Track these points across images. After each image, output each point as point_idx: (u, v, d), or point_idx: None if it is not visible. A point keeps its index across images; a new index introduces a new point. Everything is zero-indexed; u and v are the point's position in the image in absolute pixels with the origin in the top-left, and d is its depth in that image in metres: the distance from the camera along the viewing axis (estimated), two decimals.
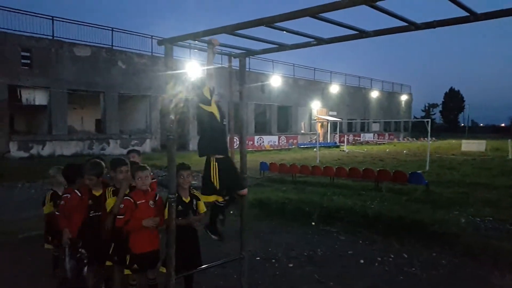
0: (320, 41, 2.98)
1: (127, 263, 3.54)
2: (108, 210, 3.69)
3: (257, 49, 3.67)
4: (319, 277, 4.56)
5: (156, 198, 3.74)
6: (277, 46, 3.35)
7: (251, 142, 29.96)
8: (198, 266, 3.70)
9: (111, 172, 3.85)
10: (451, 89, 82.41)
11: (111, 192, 3.77)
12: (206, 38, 3.15)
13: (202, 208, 3.90)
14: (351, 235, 6.16)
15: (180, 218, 3.62)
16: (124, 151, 12.19)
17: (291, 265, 4.99)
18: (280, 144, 32.89)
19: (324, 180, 11.71)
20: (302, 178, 12.37)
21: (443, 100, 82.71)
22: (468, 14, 2.33)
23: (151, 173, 3.80)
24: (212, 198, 3.51)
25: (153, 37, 25.10)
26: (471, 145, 26.87)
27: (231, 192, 3.63)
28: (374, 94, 46.20)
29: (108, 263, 3.74)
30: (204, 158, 3.48)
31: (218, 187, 3.39)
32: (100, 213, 3.78)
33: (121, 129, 24.32)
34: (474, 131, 72.16)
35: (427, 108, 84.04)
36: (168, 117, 3.28)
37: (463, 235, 5.85)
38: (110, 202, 3.71)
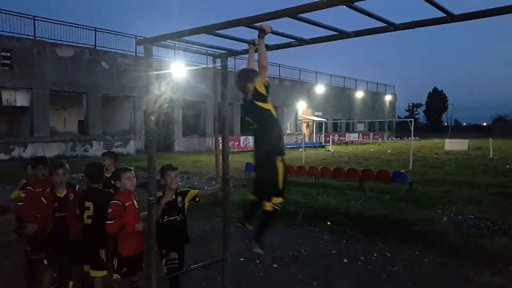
0: (301, 41, 2.99)
1: (115, 267, 3.48)
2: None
3: (239, 50, 3.65)
4: (303, 277, 4.57)
5: (136, 199, 3.70)
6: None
7: (237, 143, 29.91)
8: (181, 268, 3.67)
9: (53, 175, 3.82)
10: (435, 89, 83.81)
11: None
12: (258, 24, 2.80)
13: (192, 194, 3.88)
14: (335, 234, 6.19)
15: (166, 216, 3.59)
16: None
17: (275, 265, 4.99)
18: None
19: (310, 180, 11.75)
20: (287, 178, 12.37)
21: (426, 100, 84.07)
22: (445, 15, 2.36)
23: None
24: (277, 201, 3.33)
25: (137, 36, 24.85)
26: (454, 144, 27.34)
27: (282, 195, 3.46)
28: (359, 94, 46.66)
29: (86, 268, 3.67)
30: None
31: (282, 188, 3.31)
32: (65, 214, 3.76)
33: (105, 131, 24.00)
34: (457, 131, 73.46)
35: (411, 108, 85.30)
36: (153, 118, 3.23)
37: (446, 234, 5.93)
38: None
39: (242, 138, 31.10)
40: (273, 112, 3.29)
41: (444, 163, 17.80)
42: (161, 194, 3.69)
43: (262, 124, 3.30)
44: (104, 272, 3.61)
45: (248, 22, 2.42)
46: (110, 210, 3.38)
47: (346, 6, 1.99)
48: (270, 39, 3.23)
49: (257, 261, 5.08)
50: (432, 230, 5.96)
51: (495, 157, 19.94)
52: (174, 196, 3.75)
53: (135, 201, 3.60)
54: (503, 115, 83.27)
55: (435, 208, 7.75)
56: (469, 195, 9.27)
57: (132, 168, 3.70)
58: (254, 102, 3.23)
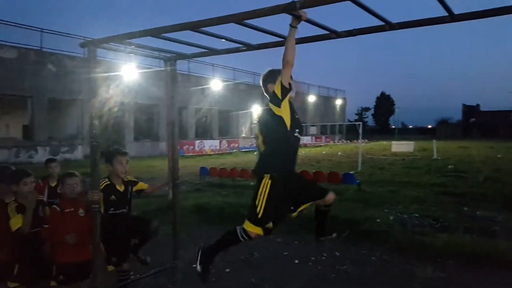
0: (249, 47, 3.02)
1: (54, 274, 3.31)
2: (13, 229, 3.20)
3: (188, 53, 3.62)
4: (255, 280, 4.59)
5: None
6: (208, 50, 3.33)
7: (192, 147, 29.59)
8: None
9: (13, 186, 3.35)
10: (382, 94, 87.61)
11: (14, 209, 3.28)
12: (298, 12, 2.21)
13: (140, 187, 3.71)
14: (287, 236, 6.28)
15: (112, 209, 3.43)
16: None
17: (227, 270, 4.98)
18: (222, 148, 32.82)
19: None
20: (242, 182, 12.42)
21: (375, 103, 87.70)
22: (384, 23, 2.48)
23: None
24: (248, 228, 2.93)
25: (86, 38, 23.94)
26: (401, 146, 28.64)
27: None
28: (311, 98, 47.78)
29: (52, 283, 3.45)
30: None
31: (261, 217, 2.86)
32: (38, 229, 3.34)
33: (51, 136, 22.87)
34: (403, 133, 77.18)
35: (360, 111, 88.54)
36: (96, 122, 3.12)
37: (392, 232, 6.19)
38: (16, 221, 3.22)
39: (197, 142, 30.83)
40: (286, 120, 2.80)
41: (391, 164, 18.62)
42: (107, 181, 3.50)
43: (268, 131, 2.89)
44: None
45: (193, 26, 2.41)
46: (48, 214, 3.28)
47: (287, 13, 2.03)
48: (219, 44, 3.24)
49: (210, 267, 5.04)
50: (379, 229, 6.20)
51: (439, 158, 21.12)
52: (123, 186, 3.55)
53: (81, 210, 3.44)
54: (446, 118, 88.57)
55: (383, 207, 8.06)
56: (414, 195, 9.74)
57: (77, 174, 3.54)
58: (269, 104, 2.83)
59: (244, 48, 3.02)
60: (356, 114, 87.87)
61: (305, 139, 44.58)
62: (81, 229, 3.30)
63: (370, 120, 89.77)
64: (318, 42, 2.85)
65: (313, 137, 46.69)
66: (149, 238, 3.71)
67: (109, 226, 3.31)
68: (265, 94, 3.04)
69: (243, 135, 37.18)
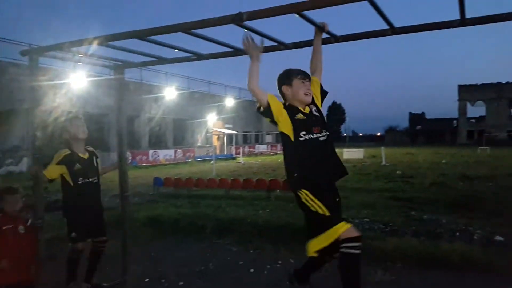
0: (199, 56, 3.01)
1: None
2: None
3: (137, 61, 3.55)
4: None
5: (28, 223, 3.33)
6: (157, 59, 3.28)
7: (145, 157, 28.90)
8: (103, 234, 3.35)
9: None
10: (334, 103, 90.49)
11: None
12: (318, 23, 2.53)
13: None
14: (243, 245, 6.26)
15: (81, 178, 3.26)
16: None
17: (181, 283, 4.87)
18: (177, 157, 32.32)
19: (220, 193, 11.78)
20: (198, 192, 12.28)
21: (327, 112, 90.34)
22: (329, 36, 2.57)
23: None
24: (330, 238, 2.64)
25: (31, 45, 22.82)
26: (352, 153, 29.63)
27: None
28: None
29: None
30: None
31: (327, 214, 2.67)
32: None
33: None
34: (354, 140, 79.95)
35: None
36: (39, 133, 2.97)
37: None
38: None
39: (150, 152, 30.16)
40: (289, 133, 2.78)
41: None
42: (67, 151, 3.29)
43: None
44: None
45: (140, 34, 2.37)
46: None
47: (236, 25, 2.05)
48: (170, 53, 3.20)
49: (163, 280, 4.92)
50: None
51: (387, 164, 22.02)
52: (87, 154, 3.39)
53: (21, 226, 3.24)
54: (394, 126, 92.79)
55: None
56: (364, 200, 10.07)
57: (19, 190, 3.33)
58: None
59: (195, 58, 3.01)
60: None
61: (261, 148, 45.02)
62: (20, 247, 3.10)
63: None
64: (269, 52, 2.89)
65: (269, 146, 47.21)
66: (99, 255, 3.56)
67: (81, 197, 3.14)
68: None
69: (199, 144, 36.84)
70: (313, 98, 2.93)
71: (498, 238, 6.23)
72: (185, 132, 36.12)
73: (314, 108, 2.89)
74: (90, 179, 3.30)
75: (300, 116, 2.80)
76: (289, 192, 10.99)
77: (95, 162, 3.44)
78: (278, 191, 10.99)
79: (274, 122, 2.82)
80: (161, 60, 3.27)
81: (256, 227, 6.80)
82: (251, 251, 6.01)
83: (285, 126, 2.78)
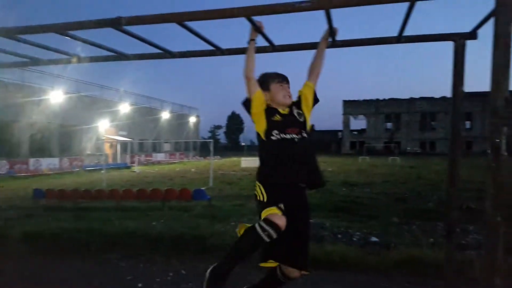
0: (79, 59, 2.82)
1: None
2: None
3: (8, 62, 3.19)
4: None
5: None
6: (29, 60, 2.98)
7: (25, 166, 26.02)
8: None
9: None
10: (233, 113, 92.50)
11: None
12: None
13: None
14: (132, 259, 5.98)
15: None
16: None
17: None
18: (63, 167, 29.73)
19: (110, 204, 11.11)
20: (85, 204, 11.41)
21: (226, 122, 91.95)
22: (215, 48, 2.62)
23: None
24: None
25: None
26: (249, 162, 30.49)
27: None
28: (165, 115, 47.31)
29: None
30: None
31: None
32: None
33: None
34: (252, 149, 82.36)
35: (213, 129, 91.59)
36: None
37: None
38: None
39: (31, 160, 27.25)
40: (261, 132, 2.86)
41: (240, 179, 19.61)
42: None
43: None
44: None
45: (8, 32, 2.13)
46: None
47: (114, 29, 1.97)
48: (47, 54, 2.94)
49: None
50: (224, 242, 6.41)
51: None
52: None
53: None
54: None
55: (230, 221, 8.39)
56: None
57: None
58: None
59: (74, 60, 2.81)
60: (209, 131, 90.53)
61: (158, 156, 43.69)
62: None
63: (222, 137, 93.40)
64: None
65: (167, 154, 46.12)
66: None
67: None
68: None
69: (88, 152, 34.35)
70: (299, 101, 2.95)
71: (373, 239, 6.96)
72: (72, 139, 33.36)
73: (296, 111, 2.89)
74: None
75: (277, 117, 2.81)
76: (185, 202, 10.88)
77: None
78: (174, 201, 10.77)
79: (252, 120, 2.84)
80: (35, 61, 2.98)
81: (148, 240, 6.55)
82: (141, 265, 5.76)
83: (260, 126, 2.79)
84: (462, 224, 7.24)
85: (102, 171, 21.55)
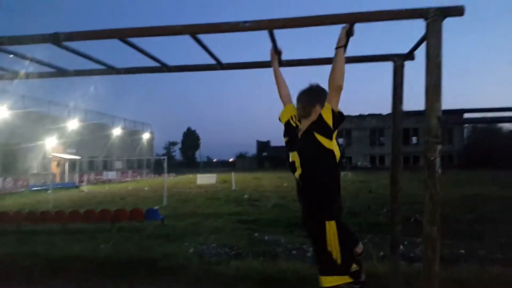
0: (14, 74, 2.67)
1: None
2: None
3: None
4: None
5: None
6: None
7: None
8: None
9: None
10: (189, 129, 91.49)
11: None
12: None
13: None
14: (78, 285, 5.66)
15: None
16: None
17: None
18: (5, 187, 27.85)
19: (56, 227, 10.51)
20: (29, 227, 10.70)
21: (182, 138, 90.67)
22: (161, 65, 2.58)
23: None
24: (337, 281, 2.35)
25: None
26: (205, 179, 30.16)
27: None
28: (117, 131, 45.90)
29: None
30: None
31: (344, 263, 2.36)
32: None
33: None
34: (208, 166, 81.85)
35: (167, 146, 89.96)
36: None
37: (190, 265, 6.30)
38: None
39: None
40: (337, 154, 2.42)
41: (195, 196, 19.31)
42: None
43: (315, 168, 2.43)
44: None
45: None
46: None
47: (55, 45, 1.89)
48: None
49: None
50: (177, 263, 6.24)
51: (237, 189, 23.04)
52: None
53: None
54: (244, 152, 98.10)
55: (183, 240, 8.20)
56: (214, 225, 10.29)
57: None
58: (314, 133, 2.37)
59: (10, 76, 2.66)
60: (164, 148, 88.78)
61: (109, 175, 42.09)
62: None
63: (178, 154, 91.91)
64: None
65: (119, 172, 44.56)
66: None
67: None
68: (303, 115, 2.57)
69: (34, 171, 32.49)
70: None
71: None
72: (17, 157, 31.44)
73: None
74: None
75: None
76: (137, 222, 10.53)
77: None
78: (125, 221, 10.37)
79: (329, 135, 2.41)
80: None
81: (95, 264, 6.24)
82: None
83: (336, 146, 2.46)
84: (411, 237, 7.52)
85: (48, 191, 20.43)
